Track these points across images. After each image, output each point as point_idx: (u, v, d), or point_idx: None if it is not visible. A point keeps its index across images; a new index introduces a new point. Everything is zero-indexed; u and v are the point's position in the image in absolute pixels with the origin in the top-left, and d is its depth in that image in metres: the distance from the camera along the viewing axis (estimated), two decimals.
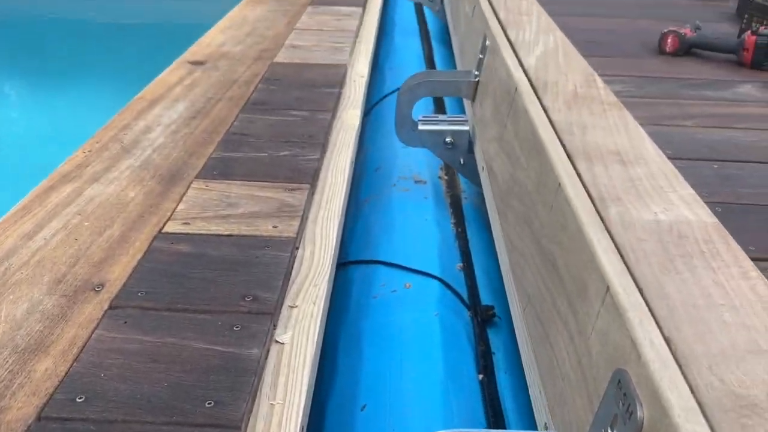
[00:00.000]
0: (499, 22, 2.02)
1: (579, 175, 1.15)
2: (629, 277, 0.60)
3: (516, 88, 1.05)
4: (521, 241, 0.90)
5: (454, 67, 2.29)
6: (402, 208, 1.60)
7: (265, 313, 0.83)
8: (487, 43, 1.37)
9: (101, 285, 0.88)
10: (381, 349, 1.14)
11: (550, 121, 1.37)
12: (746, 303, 0.83)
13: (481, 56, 1.40)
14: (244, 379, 0.72)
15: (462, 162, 1.52)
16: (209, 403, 0.69)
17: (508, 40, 1.77)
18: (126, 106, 1.45)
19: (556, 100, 1.50)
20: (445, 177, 1.76)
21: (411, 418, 0.94)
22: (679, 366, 0.52)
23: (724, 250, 0.95)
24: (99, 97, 3.47)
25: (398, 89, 2.32)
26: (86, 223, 1.02)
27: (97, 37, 4.51)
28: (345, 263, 1.37)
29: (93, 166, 1.19)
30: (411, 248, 1.43)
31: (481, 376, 1.05)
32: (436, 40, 2.87)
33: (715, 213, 1.07)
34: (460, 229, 1.54)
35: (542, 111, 0.95)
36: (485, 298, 1.30)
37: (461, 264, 1.40)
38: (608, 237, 0.65)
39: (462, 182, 1.70)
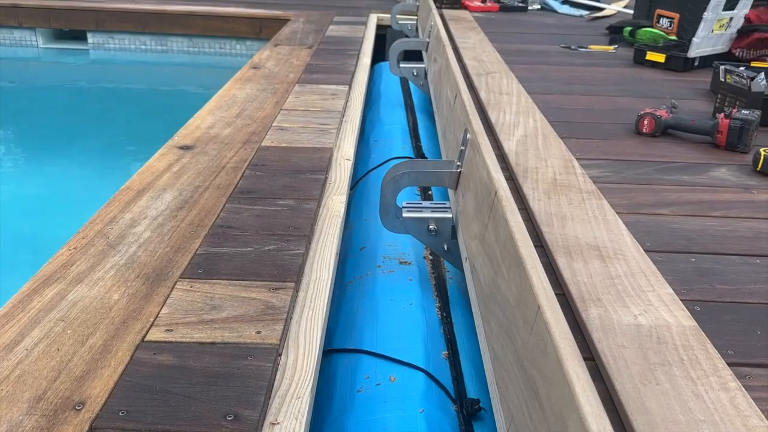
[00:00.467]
0: (480, 105, 2.08)
1: (559, 272, 1.17)
2: (607, 420, 0.61)
3: (496, 192, 1.08)
4: (504, 354, 0.90)
5: (437, 139, 2.33)
6: (386, 291, 1.60)
7: None
8: (468, 136, 1.41)
9: (82, 403, 0.87)
10: None
11: (530, 212, 1.40)
12: (726, 418, 0.85)
13: (462, 148, 1.44)
14: None
15: (446, 248, 1.53)
16: None
17: (489, 128, 1.82)
18: (113, 197, 1.46)
19: (536, 189, 1.54)
20: (430, 257, 1.78)
21: None
22: None
23: (703, 357, 0.97)
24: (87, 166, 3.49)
25: (383, 163, 2.36)
26: (69, 331, 1.01)
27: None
28: (329, 351, 1.36)
29: (78, 265, 1.19)
30: (396, 335, 1.43)
31: None
32: (420, 111, 2.94)
33: (693, 312, 1.09)
34: (445, 314, 1.54)
35: (522, 222, 0.97)
36: (471, 387, 1.30)
37: (446, 352, 1.40)
38: (587, 373, 0.66)
39: (447, 263, 1.71)
